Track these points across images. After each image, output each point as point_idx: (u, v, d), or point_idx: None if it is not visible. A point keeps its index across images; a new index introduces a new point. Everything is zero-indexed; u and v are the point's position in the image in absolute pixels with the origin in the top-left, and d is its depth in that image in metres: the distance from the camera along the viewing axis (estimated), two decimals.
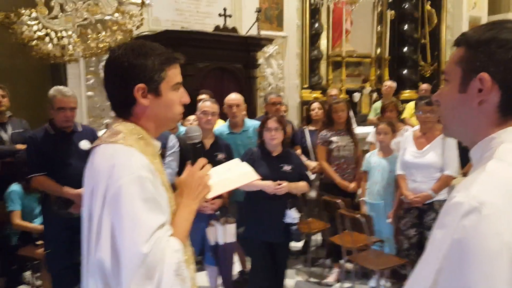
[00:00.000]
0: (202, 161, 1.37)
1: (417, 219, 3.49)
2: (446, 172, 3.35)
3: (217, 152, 3.37)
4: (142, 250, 1.08)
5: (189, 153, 1.62)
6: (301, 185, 3.25)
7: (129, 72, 1.22)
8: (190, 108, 4.57)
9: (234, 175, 1.78)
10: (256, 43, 5.58)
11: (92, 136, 3.18)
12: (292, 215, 3.11)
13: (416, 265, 0.83)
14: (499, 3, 10.17)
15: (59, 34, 4.18)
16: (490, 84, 0.85)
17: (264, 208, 3.14)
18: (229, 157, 3.42)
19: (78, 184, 2.96)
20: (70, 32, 4.26)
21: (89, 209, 1.21)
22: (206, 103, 3.44)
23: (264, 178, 3.09)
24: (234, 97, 3.89)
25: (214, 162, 3.28)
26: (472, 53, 0.88)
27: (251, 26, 5.69)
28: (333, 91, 6.24)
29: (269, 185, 3.07)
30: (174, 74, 1.29)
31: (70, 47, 4.25)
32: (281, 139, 3.20)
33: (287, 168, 3.20)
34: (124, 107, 1.27)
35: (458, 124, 0.94)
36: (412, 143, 3.52)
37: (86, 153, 2.99)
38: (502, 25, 0.87)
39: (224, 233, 2.90)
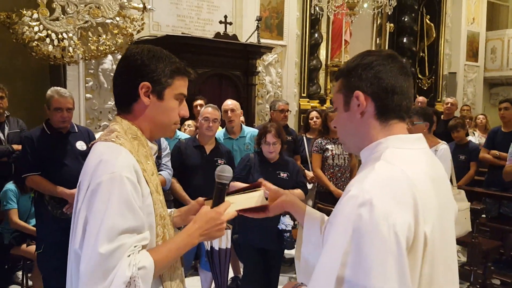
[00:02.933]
0: (226, 204, 1.38)
1: None
2: None
3: (217, 157, 3.38)
4: (99, 250, 1.08)
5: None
6: (296, 193, 3.24)
7: (139, 69, 1.28)
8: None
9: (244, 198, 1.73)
10: (256, 51, 5.61)
11: (88, 137, 3.18)
12: (286, 222, 3.12)
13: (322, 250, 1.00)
14: (497, 19, 10.28)
15: (59, 36, 4.20)
16: (363, 98, 1.09)
17: None
18: (229, 163, 3.43)
19: (72, 184, 2.98)
20: (70, 34, 4.28)
21: (75, 202, 1.24)
22: (208, 109, 3.42)
23: None
24: (229, 103, 3.92)
25: (214, 168, 3.31)
26: (347, 79, 1.13)
27: (251, 34, 5.73)
28: None
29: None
30: (181, 85, 1.34)
31: (71, 49, 4.27)
32: (278, 151, 3.23)
33: (283, 175, 3.20)
34: (126, 103, 1.32)
35: (350, 137, 1.17)
36: None
37: (82, 154, 3.04)
38: (364, 54, 1.14)
39: (219, 238, 2.90)
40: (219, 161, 3.35)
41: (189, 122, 4.24)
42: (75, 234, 1.17)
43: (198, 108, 4.49)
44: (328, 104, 7.28)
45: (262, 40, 6.11)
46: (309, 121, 4.82)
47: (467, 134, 5.58)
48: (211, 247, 2.91)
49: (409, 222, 0.92)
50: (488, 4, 9.62)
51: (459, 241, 3.77)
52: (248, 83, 5.54)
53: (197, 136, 3.49)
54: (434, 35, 8.59)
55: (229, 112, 3.84)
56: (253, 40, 5.77)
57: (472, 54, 9.41)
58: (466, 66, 9.32)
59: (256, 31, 5.68)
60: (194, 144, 3.42)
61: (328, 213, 3.52)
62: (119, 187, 1.14)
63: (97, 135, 3.62)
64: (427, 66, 8.57)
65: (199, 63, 5.09)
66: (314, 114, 4.79)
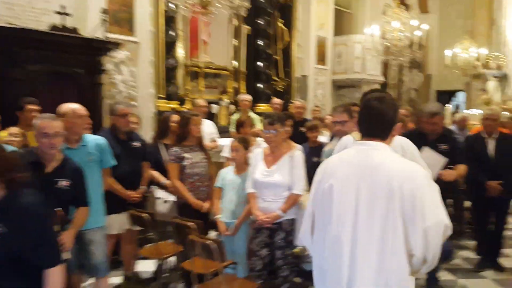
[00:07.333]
0: None
1: (269, 238, 3.41)
2: (293, 191, 3.34)
3: (60, 178, 2.80)
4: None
5: None
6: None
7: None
8: (13, 118, 3.84)
9: None
10: (102, 47, 5.03)
11: None
12: None
13: None
14: (342, 26, 11.20)
15: None
16: None
17: None
18: (76, 184, 2.86)
19: None
20: None
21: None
22: (45, 121, 2.74)
23: None
24: (78, 106, 3.36)
25: (53, 190, 2.68)
26: None
27: (96, 28, 5.12)
28: (202, 102, 6.00)
29: None
30: None
31: None
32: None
33: (63, 183, 2.78)
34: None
35: None
36: (261, 161, 3.44)
37: None
38: None
39: None
40: (61, 183, 2.78)
41: (14, 129, 3.49)
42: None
43: (33, 114, 3.80)
44: (190, 106, 6.95)
45: (111, 35, 5.53)
46: (171, 124, 4.45)
47: None
48: None
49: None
50: (335, 10, 10.38)
51: None
52: (94, 82, 4.93)
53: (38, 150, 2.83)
54: (288, 39, 8.93)
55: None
56: (100, 35, 5.17)
57: (321, 58, 10.06)
58: (316, 69, 9.92)
59: (102, 25, 5.10)
60: (32, 159, 2.77)
61: (183, 228, 3.17)
62: None
63: None
64: (282, 69, 8.86)
65: (31, 60, 4.33)
66: (176, 117, 4.42)
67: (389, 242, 1.71)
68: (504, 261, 4.72)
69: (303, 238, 2.07)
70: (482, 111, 10.21)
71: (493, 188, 4.37)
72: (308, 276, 4.33)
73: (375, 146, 1.83)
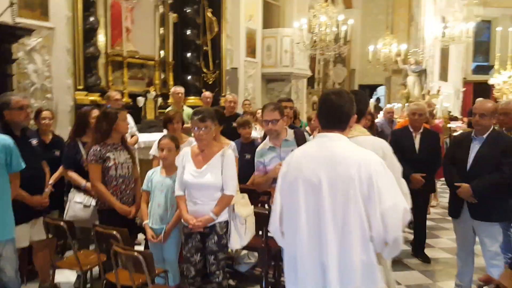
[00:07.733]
0: None
1: (201, 243, 3.21)
2: (225, 192, 3.15)
3: None
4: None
5: None
6: None
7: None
8: None
9: None
10: (11, 33, 4.46)
11: None
12: None
13: None
14: (271, 19, 11.16)
15: None
16: None
17: None
18: None
19: None
20: None
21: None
22: None
23: None
24: None
25: None
26: None
27: (3, 12, 4.54)
28: (116, 95, 5.55)
29: None
30: None
31: None
32: None
33: None
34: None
35: None
36: (191, 161, 3.20)
37: None
38: None
39: None
40: None
41: None
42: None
43: None
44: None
45: (21, 20, 4.93)
46: (91, 120, 4.03)
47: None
48: None
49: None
50: (263, 2, 10.28)
51: (249, 247, 3.65)
52: (2, 73, 4.37)
53: None
54: (217, 30, 8.66)
55: None
56: (8, 19, 4.58)
57: (251, 50, 9.93)
58: (246, 62, 9.78)
59: (10, 8, 4.53)
60: None
61: (106, 236, 2.87)
62: None
63: None
64: (211, 61, 8.58)
65: None
66: (96, 113, 4.02)
67: (352, 227, 1.83)
68: (429, 252, 4.94)
69: (272, 230, 2.12)
70: (400, 105, 10.76)
71: (416, 180, 4.51)
72: (242, 277, 4.24)
73: (334, 137, 1.97)
